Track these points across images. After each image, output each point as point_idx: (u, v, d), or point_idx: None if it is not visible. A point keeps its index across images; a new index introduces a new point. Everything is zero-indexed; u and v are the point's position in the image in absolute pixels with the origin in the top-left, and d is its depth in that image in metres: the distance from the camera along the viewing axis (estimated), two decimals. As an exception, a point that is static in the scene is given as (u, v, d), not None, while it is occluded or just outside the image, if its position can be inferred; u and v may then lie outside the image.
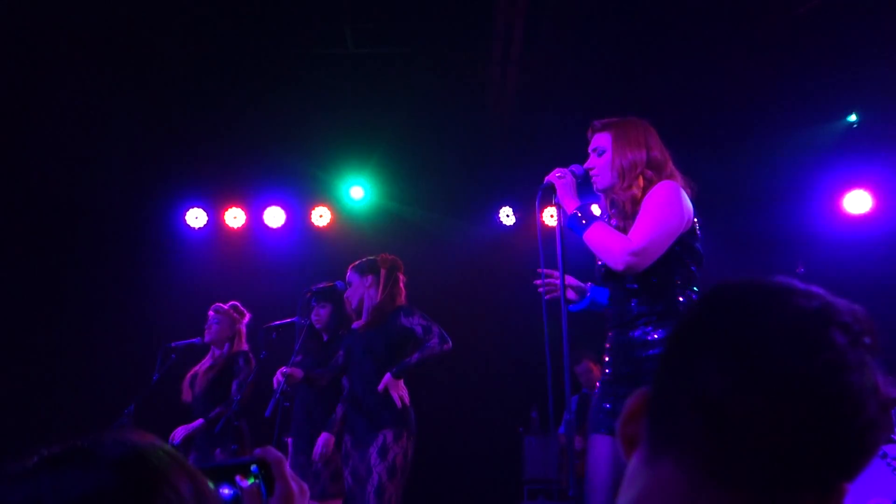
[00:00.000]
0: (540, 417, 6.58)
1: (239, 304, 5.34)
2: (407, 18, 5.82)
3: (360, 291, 4.45)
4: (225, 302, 5.35)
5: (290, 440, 4.84)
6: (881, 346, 0.80)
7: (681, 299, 2.82)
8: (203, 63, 6.24)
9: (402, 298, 4.48)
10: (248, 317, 5.35)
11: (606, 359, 2.90)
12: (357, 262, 4.54)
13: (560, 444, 6.09)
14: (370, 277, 4.46)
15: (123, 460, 0.81)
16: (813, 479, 0.76)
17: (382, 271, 4.49)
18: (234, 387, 5.04)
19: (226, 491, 1.04)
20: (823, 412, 0.75)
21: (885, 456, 4.86)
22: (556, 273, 2.93)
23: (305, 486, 1.09)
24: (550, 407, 2.74)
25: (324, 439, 4.52)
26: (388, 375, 4.22)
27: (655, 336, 2.76)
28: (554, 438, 6.14)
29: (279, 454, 1.10)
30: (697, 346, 0.80)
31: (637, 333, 2.80)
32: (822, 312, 0.79)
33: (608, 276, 2.90)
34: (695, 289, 2.86)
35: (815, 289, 0.83)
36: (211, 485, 0.94)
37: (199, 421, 4.95)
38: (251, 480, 1.05)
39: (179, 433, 4.95)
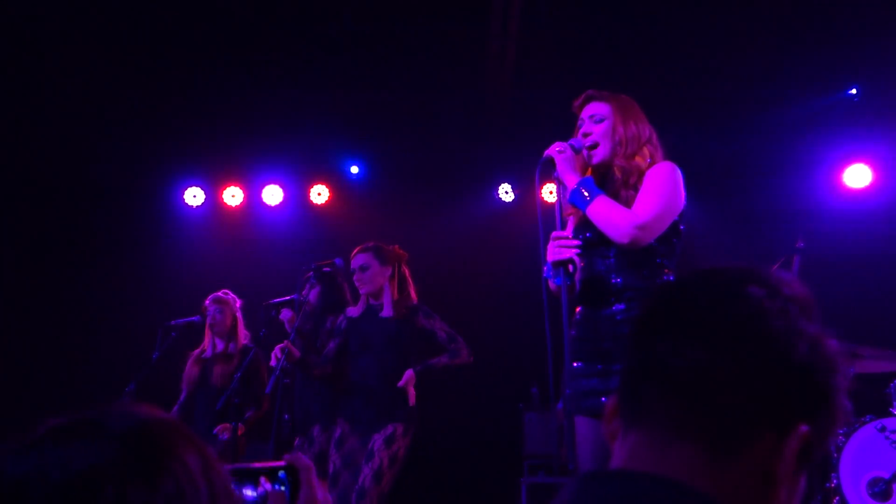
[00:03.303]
0: (540, 393, 6.59)
1: (230, 291, 5.35)
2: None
3: (381, 281, 4.46)
4: (220, 283, 5.35)
5: (287, 417, 4.86)
6: (815, 307, 0.96)
7: (665, 278, 2.82)
8: (200, 41, 6.19)
9: (412, 293, 4.54)
10: (240, 302, 5.36)
11: (579, 334, 2.87)
12: (373, 246, 4.49)
13: (559, 420, 6.12)
14: (389, 269, 4.47)
15: (129, 432, 0.81)
16: (767, 420, 0.85)
17: (402, 267, 4.52)
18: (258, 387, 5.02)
19: (249, 492, 1.05)
20: (755, 356, 0.86)
21: (883, 429, 4.88)
22: (570, 233, 2.88)
23: (329, 497, 1.10)
24: (550, 383, 2.74)
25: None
26: (410, 372, 4.29)
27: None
28: (554, 414, 6.16)
29: (308, 461, 1.10)
30: (654, 328, 0.92)
31: (620, 307, 2.78)
32: (742, 273, 0.93)
33: (591, 249, 2.86)
34: (673, 268, 2.86)
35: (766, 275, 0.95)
36: (234, 484, 0.93)
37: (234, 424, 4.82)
38: (277, 485, 1.06)
39: (223, 431, 4.91)
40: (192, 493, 0.81)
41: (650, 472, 0.86)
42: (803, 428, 0.86)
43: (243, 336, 5.28)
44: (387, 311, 4.43)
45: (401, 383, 4.27)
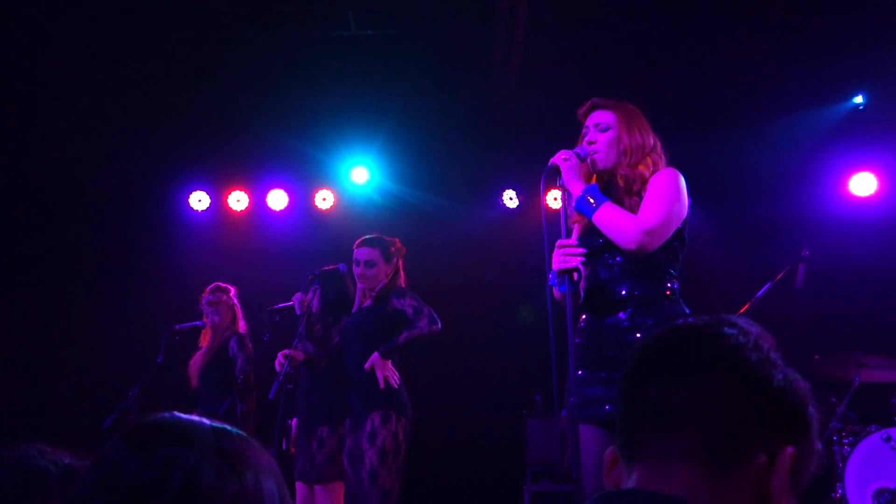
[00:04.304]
0: (543, 400, 6.58)
1: (221, 283, 5.34)
2: (410, -1, 5.79)
3: (382, 278, 4.43)
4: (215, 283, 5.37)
5: (293, 422, 4.86)
6: (777, 343, 1.04)
7: (668, 285, 2.81)
8: (206, 45, 6.20)
9: (401, 282, 4.48)
10: (233, 290, 5.36)
11: (583, 342, 2.86)
12: (378, 241, 4.45)
13: (563, 428, 6.09)
14: (392, 267, 4.45)
15: (222, 447, 0.92)
16: (756, 442, 0.95)
17: (399, 261, 4.49)
18: (237, 374, 5.03)
19: None
20: (737, 386, 0.96)
21: (888, 439, 4.86)
22: (575, 241, 2.88)
23: None
24: (555, 390, 2.73)
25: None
26: (375, 355, 4.21)
27: (647, 321, 2.74)
28: (557, 421, 6.15)
29: None
30: (643, 374, 1.02)
31: (625, 315, 2.78)
32: (714, 319, 1.05)
33: (595, 256, 2.86)
34: (676, 275, 2.86)
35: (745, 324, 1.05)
36: None
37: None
38: None
39: None
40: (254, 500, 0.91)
41: (657, 491, 0.94)
42: (790, 449, 0.96)
43: (242, 327, 5.29)
44: (367, 302, 4.41)
45: (366, 366, 4.20)
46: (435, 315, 4.30)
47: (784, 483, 0.94)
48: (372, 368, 4.20)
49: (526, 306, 6.84)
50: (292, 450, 4.79)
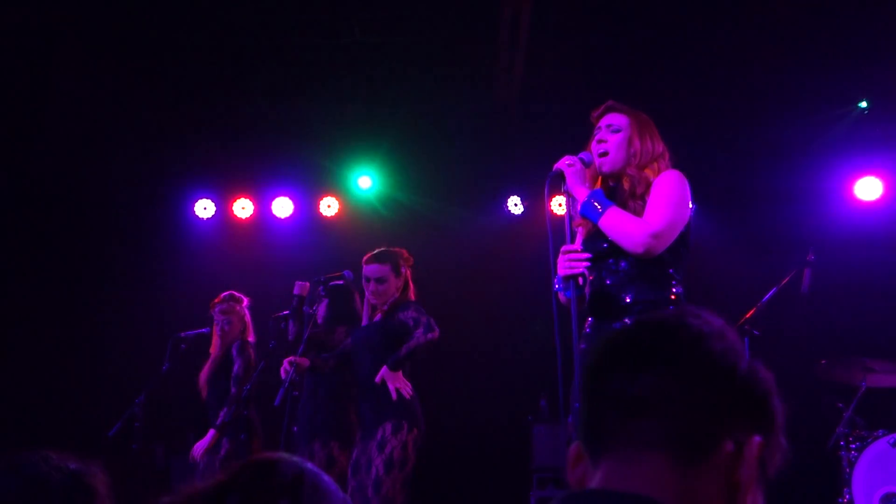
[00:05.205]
0: (549, 406, 6.57)
1: (235, 293, 5.31)
2: (413, 6, 5.79)
3: (394, 293, 4.43)
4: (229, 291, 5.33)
5: (296, 429, 4.86)
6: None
7: (674, 290, 2.81)
8: (211, 54, 6.23)
9: (411, 294, 4.49)
10: (246, 301, 5.33)
11: (589, 347, 2.85)
12: (388, 255, 4.44)
13: (569, 433, 6.08)
14: (402, 279, 4.45)
15: (295, 482, 1.06)
16: (722, 430, 0.95)
17: (408, 271, 4.49)
18: (232, 380, 4.99)
19: None
20: (702, 373, 0.97)
21: (895, 444, 4.84)
22: (580, 246, 2.88)
23: None
24: (560, 395, 2.73)
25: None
26: (384, 368, 4.23)
27: None
28: (563, 427, 6.13)
29: None
30: (608, 366, 1.02)
31: (631, 321, 2.77)
32: (677, 311, 1.05)
33: (600, 261, 2.86)
34: (681, 280, 2.85)
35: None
36: None
37: (211, 433, 4.86)
38: None
39: (199, 451, 4.86)
40: None
41: (619, 490, 0.94)
42: (757, 438, 0.96)
43: (251, 338, 5.26)
44: (378, 316, 4.42)
45: (377, 380, 4.22)
46: (433, 323, 4.31)
47: (752, 472, 0.95)
48: (383, 381, 4.22)
49: (539, 319, 6.85)
50: None
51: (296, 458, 1.09)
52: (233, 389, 4.92)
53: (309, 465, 1.09)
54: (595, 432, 1.01)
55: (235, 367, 5.01)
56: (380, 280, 4.38)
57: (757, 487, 0.96)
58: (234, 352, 5.08)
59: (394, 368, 4.23)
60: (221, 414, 4.89)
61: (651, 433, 0.95)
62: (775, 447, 0.99)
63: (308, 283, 4.65)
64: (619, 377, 0.99)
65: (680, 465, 0.94)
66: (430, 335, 4.27)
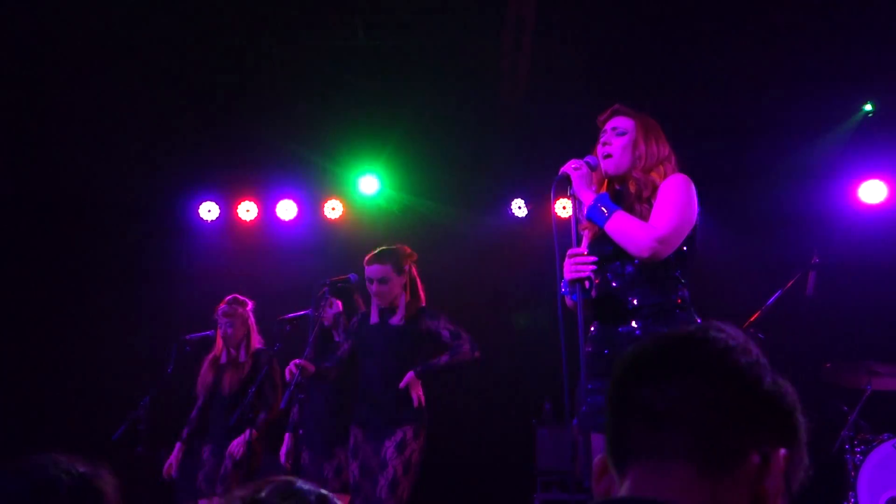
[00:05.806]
0: (553, 409, 6.56)
1: (239, 296, 5.31)
2: (417, 9, 5.80)
3: (397, 291, 4.41)
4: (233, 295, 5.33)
5: (302, 431, 4.86)
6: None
7: (679, 294, 2.81)
8: (215, 56, 6.23)
9: (421, 297, 4.49)
10: (250, 304, 5.33)
11: (595, 350, 2.86)
12: (388, 255, 4.42)
13: (574, 436, 6.07)
14: (405, 277, 4.44)
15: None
16: (748, 442, 0.96)
17: (412, 268, 4.48)
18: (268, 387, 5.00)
19: None
20: (728, 386, 0.98)
21: (901, 448, 4.82)
22: (585, 250, 2.88)
23: None
24: (566, 398, 2.73)
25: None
26: (410, 374, 4.24)
27: (660, 331, 2.73)
28: (567, 430, 6.12)
29: None
30: (634, 379, 1.02)
31: (637, 324, 2.77)
32: (702, 325, 1.06)
33: (606, 265, 2.86)
34: (686, 283, 2.85)
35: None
36: None
37: (246, 433, 4.78)
38: None
39: (238, 448, 4.83)
40: None
41: (649, 497, 0.95)
42: (783, 451, 0.97)
43: (257, 341, 5.26)
44: (397, 318, 4.40)
45: (401, 385, 4.23)
46: (474, 341, 4.39)
47: (778, 485, 0.96)
48: (406, 387, 4.24)
49: (523, 314, 6.85)
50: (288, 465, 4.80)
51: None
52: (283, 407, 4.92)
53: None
54: (622, 442, 1.02)
55: (274, 377, 5.01)
56: (382, 280, 4.37)
57: (782, 500, 0.97)
58: (264, 364, 5.03)
59: (421, 377, 4.27)
60: (262, 416, 4.92)
61: (679, 444, 0.96)
62: (798, 462, 1.00)
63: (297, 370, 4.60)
64: (646, 389, 1.01)
65: (707, 476, 0.95)
66: (476, 354, 4.37)
